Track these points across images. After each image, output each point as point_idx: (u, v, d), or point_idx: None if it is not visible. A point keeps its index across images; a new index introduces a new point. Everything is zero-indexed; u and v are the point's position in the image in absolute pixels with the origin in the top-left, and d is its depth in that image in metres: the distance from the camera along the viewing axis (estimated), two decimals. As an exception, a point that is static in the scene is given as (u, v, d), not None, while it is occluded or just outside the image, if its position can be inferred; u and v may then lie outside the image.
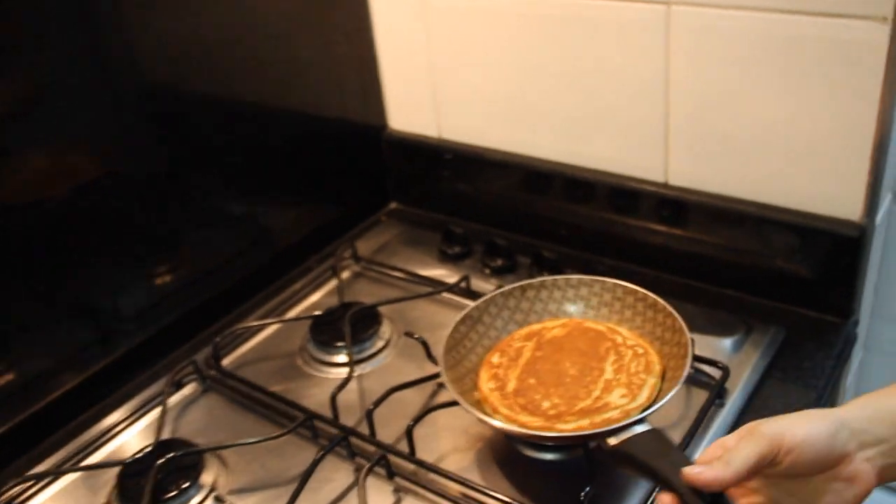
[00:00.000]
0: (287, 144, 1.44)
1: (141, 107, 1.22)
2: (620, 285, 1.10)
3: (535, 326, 1.11)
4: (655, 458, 0.82)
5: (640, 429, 0.88)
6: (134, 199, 1.23)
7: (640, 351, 1.03)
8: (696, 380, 1.11)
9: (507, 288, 1.13)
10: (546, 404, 0.98)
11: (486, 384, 1.04)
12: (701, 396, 1.08)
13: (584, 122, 1.30)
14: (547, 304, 1.14)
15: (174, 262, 1.34)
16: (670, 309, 1.03)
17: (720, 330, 1.19)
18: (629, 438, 0.87)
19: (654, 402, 0.96)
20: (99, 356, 1.25)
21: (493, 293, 1.13)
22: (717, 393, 1.06)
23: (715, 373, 1.08)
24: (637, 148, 1.27)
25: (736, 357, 1.13)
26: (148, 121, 1.24)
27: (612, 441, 0.88)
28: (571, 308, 1.13)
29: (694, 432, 1.02)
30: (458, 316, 1.10)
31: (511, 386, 1.02)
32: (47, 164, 1.12)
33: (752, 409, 1.07)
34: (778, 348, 1.14)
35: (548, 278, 1.14)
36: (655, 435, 0.87)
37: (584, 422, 0.94)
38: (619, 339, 1.05)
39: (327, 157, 1.53)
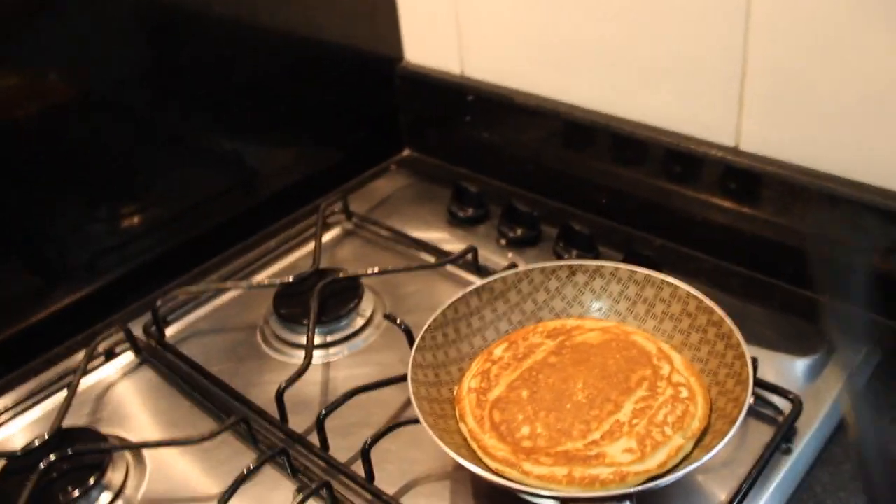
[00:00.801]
0: (283, 74, 1.27)
1: (125, 26, 1.08)
2: (696, 298, 0.85)
3: (571, 322, 0.88)
4: None
5: None
6: (106, 126, 1.09)
7: (684, 394, 0.77)
8: (756, 411, 0.87)
9: (552, 264, 0.91)
10: (524, 430, 0.76)
11: (469, 380, 0.83)
12: (761, 435, 0.84)
13: (638, 65, 1.11)
14: (599, 296, 0.91)
15: (139, 202, 1.15)
16: (746, 355, 0.77)
17: (793, 346, 0.94)
18: None
19: (667, 472, 0.71)
20: (30, 309, 1.07)
21: (532, 267, 0.91)
22: (785, 434, 0.83)
23: (782, 405, 0.86)
24: (702, 101, 1.07)
25: (812, 385, 0.90)
26: (131, 41, 1.10)
27: None
28: (624, 309, 0.89)
29: (748, 489, 0.77)
30: (477, 284, 0.89)
31: (496, 392, 0.81)
32: (18, 81, 1.00)
33: (829, 460, 0.83)
34: (870, 376, 0.92)
35: (607, 264, 0.90)
36: None
37: (560, 471, 0.71)
38: (665, 370, 0.80)
39: (330, 91, 1.35)
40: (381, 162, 1.43)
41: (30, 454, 0.87)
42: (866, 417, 0.77)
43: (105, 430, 0.93)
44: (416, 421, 0.76)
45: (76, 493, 0.83)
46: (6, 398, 1.00)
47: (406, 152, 1.45)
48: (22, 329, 1.05)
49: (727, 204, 1.08)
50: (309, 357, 0.92)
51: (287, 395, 0.90)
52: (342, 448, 0.87)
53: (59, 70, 1.02)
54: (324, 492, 0.80)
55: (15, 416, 0.98)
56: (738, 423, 0.69)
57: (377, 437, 0.82)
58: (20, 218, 1.03)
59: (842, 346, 0.94)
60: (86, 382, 1.01)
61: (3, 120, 0.98)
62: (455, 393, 0.82)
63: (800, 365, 0.92)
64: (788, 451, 0.82)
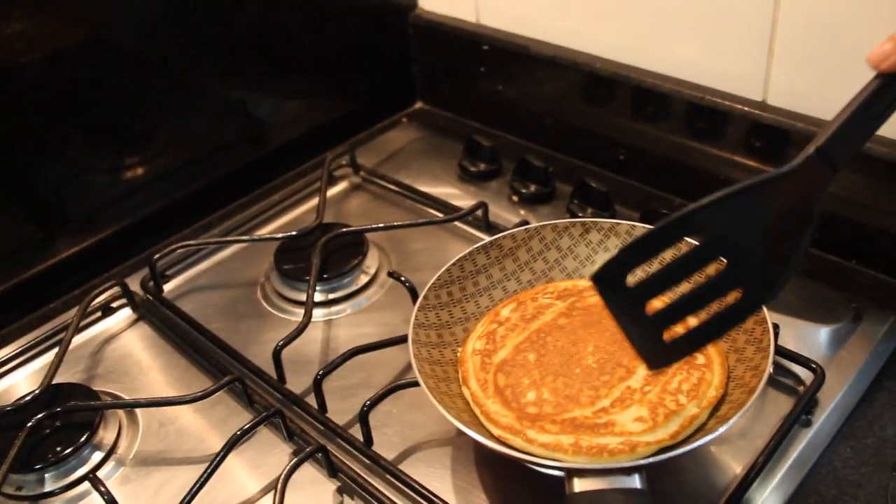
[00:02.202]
0: (292, 22, 1.22)
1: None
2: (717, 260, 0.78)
3: (583, 283, 0.84)
4: None
5: (626, 483, 0.60)
6: (110, 74, 1.04)
7: (700, 361, 0.72)
8: (776, 381, 0.82)
9: (564, 221, 0.87)
10: (530, 396, 0.71)
11: (474, 341, 0.79)
12: (780, 406, 0.80)
13: (662, 13, 1.05)
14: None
15: (141, 154, 1.11)
16: (768, 321, 0.72)
17: (817, 313, 0.89)
18: (599, 494, 0.60)
19: (680, 444, 0.66)
20: (27, 263, 1.03)
21: (543, 224, 0.87)
22: (805, 405, 0.78)
23: (804, 375, 0.81)
24: (729, 52, 1.01)
25: (836, 355, 0.85)
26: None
27: (577, 485, 0.61)
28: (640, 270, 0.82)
29: (766, 461, 0.73)
30: (482, 242, 0.85)
31: (501, 355, 0.76)
32: (22, 28, 0.95)
33: (851, 434, 0.78)
34: None
35: (623, 222, 0.86)
36: None
37: (566, 439, 0.67)
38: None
39: (340, 40, 1.29)
40: (393, 115, 1.38)
41: (19, 410, 0.84)
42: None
43: (99, 386, 0.90)
44: (416, 383, 0.72)
45: (67, 450, 0.81)
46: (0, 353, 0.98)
47: (418, 105, 1.40)
48: (18, 282, 1.02)
49: (751, 163, 1.03)
50: (308, 314, 0.89)
51: (286, 355, 0.87)
52: (341, 410, 0.83)
53: (64, 16, 0.99)
54: (320, 456, 0.76)
55: (9, 371, 0.96)
56: (756, 393, 0.64)
57: (376, 400, 0.78)
58: (19, 168, 0.99)
59: (868, 315, 0.89)
60: (82, 338, 0.98)
61: (6, 66, 0.94)
62: (458, 355, 0.78)
63: (823, 333, 0.87)
64: (808, 424, 0.78)
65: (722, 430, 0.63)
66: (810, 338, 0.86)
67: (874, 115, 0.60)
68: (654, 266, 0.68)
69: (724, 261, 0.59)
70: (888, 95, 0.59)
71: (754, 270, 0.59)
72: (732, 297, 0.59)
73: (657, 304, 0.61)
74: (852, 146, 0.60)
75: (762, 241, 0.58)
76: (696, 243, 0.61)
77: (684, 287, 0.60)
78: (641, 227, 0.84)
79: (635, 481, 0.60)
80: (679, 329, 0.61)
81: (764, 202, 0.58)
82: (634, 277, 0.60)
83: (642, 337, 0.62)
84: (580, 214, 1.04)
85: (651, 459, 0.64)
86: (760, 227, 0.58)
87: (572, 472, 0.61)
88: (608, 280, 0.59)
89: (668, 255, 0.77)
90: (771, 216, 0.58)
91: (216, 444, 0.78)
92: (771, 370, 0.71)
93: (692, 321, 0.62)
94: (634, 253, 0.59)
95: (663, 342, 0.60)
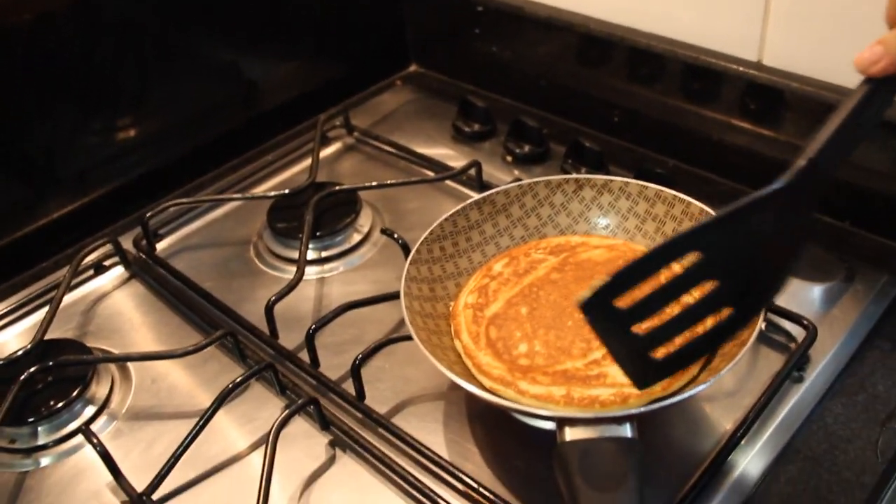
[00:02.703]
0: None
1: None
2: (709, 215, 0.80)
3: (575, 239, 0.84)
4: (593, 489, 0.56)
5: (616, 432, 0.60)
6: (100, 35, 1.03)
7: None
8: (768, 338, 0.81)
9: (557, 178, 0.86)
10: (522, 348, 0.71)
11: (466, 295, 0.79)
12: (772, 364, 0.80)
13: None
14: (606, 212, 0.86)
15: (133, 114, 1.10)
16: None
17: (810, 272, 0.89)
18: (590, 443, 0.60)
19: (671, 395, 0.66)
20: (19, 221, 1.03)
21: (537, 180, 0.86)
22: (797, 362, 0.78)
23: (796, 332, 0.81)
24: (724, 11, 1.00)
25: (828, 313, 0.85)
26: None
27: (568, 434, 0.60)
28: (632, 227, 0.84)
29: (756, 416, 0.74)
30: (475, 197, 0.85)
31: (493, 309, 0.76)
32: None
33: (843, 391, 0.78)
34: (889, 306, 0.86)
35: (617, 179, 0.85)
36: (626, 454, 0.59)
37: (558, 391, 0.67)
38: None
39: (334, 2, 1.28)
40: (387, 77, 1.37)
41: (11, 364, 0.84)
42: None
43: (92, 343, 0.90)
44: (408, 337, 0.71)
45: (59, 404, 0.81)
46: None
47: (413, 67, 1.39)
48: (10, 241, 1.02)
49: (746, 124, 1.02)
50: (301, 270, 0.89)
51: (279, 312, 0.87)
52: (333, 366, 0.83)
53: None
54: (311, 408, 0.76)
55: (1, 328, 0.95)
56: (748, 346, 0.64)
57: (368, 354, 0.78)
58: (11, 129, 0.99)
59: (861, 274, 0.89)
60: (74, 295, 0.98)
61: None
62: (451, 309, 0.78)
63: (816, 291, 0.87)
64: (800, 380, 0.78)
65: (713, 380, 0.63)
66: (803, 296, 0.86)
67: (864, 122, 0.58)
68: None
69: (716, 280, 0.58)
70: (877, 102, 0.58)
71: (748, 286, 0.59)
72: (725, 312, 0.59)
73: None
74: (843, 154, 0.59)
75: (758, 257, 0.58)
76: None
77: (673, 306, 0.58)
78: (636, 184, 0.83)
79: (626, 430, 0.60)
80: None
81: (759, 219, 0.57)
82: (624, 300, 0.58)
83: (630, 357, 0.60)
84: (574, 174, 1.03)
85: (642, 409, 0.64)
86: (758, 244, 0.57)
87: (563, 422, 0.61)
88: (596, 305, 0.57)
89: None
90: (768, 232, 0.57)
91: (208, 400, 0.77)
92: (763, 324, 0.71)
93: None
94: (624, 279, 0.56)
95: (652, 361, 0.59)
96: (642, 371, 0.60)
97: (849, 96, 0.58)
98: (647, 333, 0.58)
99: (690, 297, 0.57)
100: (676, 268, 0.73)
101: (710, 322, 0.60)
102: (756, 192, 0.56)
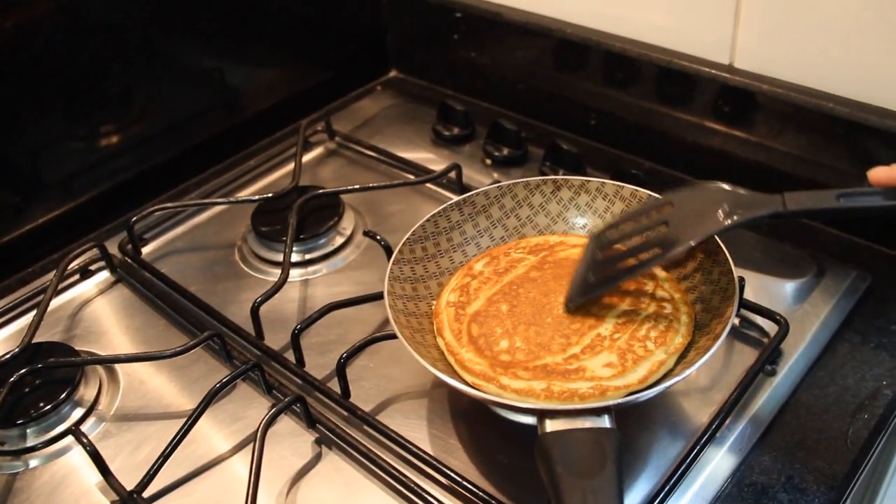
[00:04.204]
0: None
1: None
2: None
3: (554, 238, 0.85)
4: (574, 476, 0.58)
5: (595, 423, 0.62)
6: (85, 41, 1.04)
7: (668, 310, 0.74)
8: (741, 333, 0.83)
9: (536, 179, 0.88)
10: (503, 344, 0.73)
11: (448, 294, 0.80)
12: (746, 357, 0.82)
13: None
14: (584, 212, 0.88)
15: (117, 120, 1.11)
16: (733, 271, 0.74)
17: (782, 269, 0.92)
18: (570, 433, 0.61)
19: (647, 388, 0.68)
20: (4, 227, 1.04)
21: (516, 181, 0.88)
22: (769, 356, 0.81)
23: (769, 327, 0.84)
24: (697, 15, 1.02)
25: (799, 308, 0.88)
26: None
27: (549, 426, 0.62)
28: None
29: (730, 409, 0.76)
30: (455, 199, 0.86)
31: (474, 306, 0.78)
32: None
33: (814, 383, 0.81)
34: (858, 300, 0.89)
35: (593, 180, 0.87)
36: (605, 443, 0.61)
37: (538, 385, 0.69)
38: (650, 287, 0.77)
39: (315, 8, 1.30)
40: (367, 83, 1.38)
41: (0, 367, 0.84)
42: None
43: (79, 346, 0.90)
44: (392, 336, 0.73)
45: (48, 406, 0.82)
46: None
47: (392, 73, 1.41)
48: (-4, 246, 1.02)
49: (719, 126, 1.05)
50: (286, 272, 0.90)
51: (264, 313, 0.88)
52: (319, 365, 0.85)
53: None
54: (297, 406, 0.78)
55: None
56: (722, 337, 0.66)
57: (353, 352, 0.79)
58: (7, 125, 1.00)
59: (830, 270, 0.92)
60: (61, 300, 0.98)
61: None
62: (433, 307, 0.80)
63: (788, 287, 0.89)
64: (773, 373, 0.80)
65: (688, 372, 0.65)
66: (775, 292, 0.88)
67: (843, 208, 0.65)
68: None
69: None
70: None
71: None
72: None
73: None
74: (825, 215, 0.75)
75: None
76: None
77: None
78: (612, 185, 0.85)
79: (605, 421, 0.62)
80: None
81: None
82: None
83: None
84: (552, 175, 1.05)
85: (619, 401, 0.66)
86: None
87: (544, 414, 0.63)
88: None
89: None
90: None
91: (196, 401, 0.79)
92: (736, 320, 0.74)
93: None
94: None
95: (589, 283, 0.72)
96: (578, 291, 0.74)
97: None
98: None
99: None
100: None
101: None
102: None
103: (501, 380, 0.69)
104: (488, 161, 1.13)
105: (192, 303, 0.94)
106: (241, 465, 0.77)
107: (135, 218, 1.02)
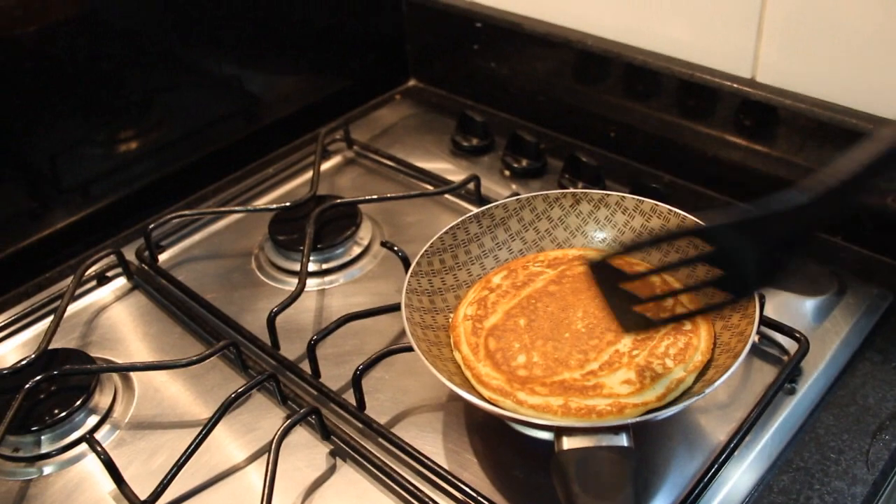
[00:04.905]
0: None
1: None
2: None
3: (573, 252, 0.85)
4: (591, 497, 0.57)
5: (613, 441, 0.61)
6: (106, 48, 1.04)
7: (687, 327, 0.74)
8: (761, 351, 0.82)
9: (555, 192, 0.87)
10: (521, 359, 0.72)
11: (466, 307, 0.80)
12: (765, 376, 0.81)
13: None
14: (603, 226, 0.87)
15: (137, 126, 1.12)
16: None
17: (803, 286, 0.91)
18: (587, 451, 0.61)
19: (667, 406, 0.68)
20: (23, 232, 1.04)
21: (535, 194, 0.88)
22: (789, 374, 0.80)
23: (789, 345, 0.83)
24: (719, 29, 1.01)
25: (820, 326, 0.87)
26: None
27: (566, 443, 0.62)
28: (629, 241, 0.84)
29: (749, 428, 0.75)
30: (474, 211, 0.86)
31: (492, 320, 0.77)
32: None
33: (834, 402, 0.79)
34: (879, 318, 0.88)
35: (613, 193, 0.86)
36: (623, 462, 0.60)
37: (555, 401, 0.68)
38: (669, 303, 0.76)
39: (335, 16, 1.29)
40: (386, 92, 1.38)
41: (16, 374, 0.85)
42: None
43: (95, 353, 0.91)
44: (409, 348, 0.73)
45: (63, 413, 0.82)
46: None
47: (412, 82, 1.41)
48: (14, 252, 1.03)
49: (740, 140, 1.04)
50: (303, 282, 0.90)
51: (280, 323, 0.88)
52: (334, 376, 0.84)
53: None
54: (313, 418, 0.77)
55: (4, 338, 0.96)
56: (741, 357, 0.66)
57: (369, 364, 0.79)
58: (15, 139, 1.00)
59: (852, 288, 0.91)
60: (77, 306, 0.99)
61: (1, 38, 0.94)
62: (450, 321, 0.80)
63: (808, 305, 0.88)
64: (792, 392, 0.79)
65: (707, 391, 0.64)
66: (795, 309, 0.87)
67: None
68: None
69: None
70: None
71: (739, 280, 0.63)
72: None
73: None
74: (876, 180, 0.58)
75: (757, 260, 0.60)
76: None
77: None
78: (632, 199, 0.85)
79: (622, 439, 0.61)
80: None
81: (775, 228, 0.59)
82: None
83: (617, 306, 0.65)
84: (571, 188, 1.05)
85: (638, 419, 0.65)
86: (763, 250, 0.60)
87: (561, 431, 0.62)
88: (599, 264, 0.64)
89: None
90: (774, 240, 0.60)
91: (211, 410, 0.79)
92: (756, 337, 0.73)
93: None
94: (628, 248, 0.67)
95: (632, 313, 0.65)
96: (624, 318, 0.65)
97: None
98: (629, 291, 0.64)
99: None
100: (670, 279, 0.75)
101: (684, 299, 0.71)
102: (780, 203, 0.58)
103: (518, 395, 0.69)
104: (507, 172, 1.13)
105: (208, 311, 0.94)
106: (255, 476, 0.77)
107: (152, 225, 1.02)
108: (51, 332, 0.88)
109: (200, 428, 0.76)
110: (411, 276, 0.79)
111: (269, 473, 0.70)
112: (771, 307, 0.86)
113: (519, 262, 0.84)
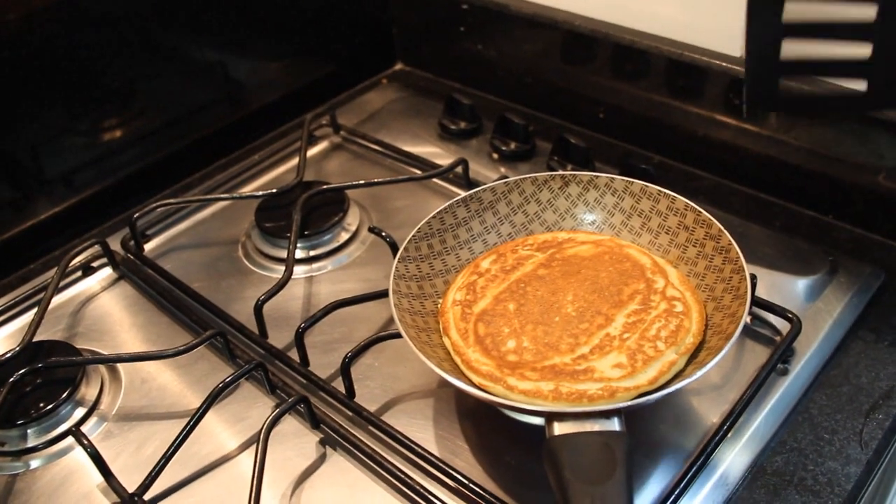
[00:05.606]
0: None
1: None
2: (694, 210, 0.80)
3: (562, 235, 0.83)
4: (582, 482, 0.56)
5: (605, 426, 0.60)
6: (87, 36, 1.03)
7: (679, 309, 0.73)
8: (753, 331, 0.82)
9: (543, 175, 0.86)
10: (510, 344, 0.71)
11: (454, 292, 0.79)
12: (758, 355, 0.81)
13: None
14: (592, 208, 0.86)
15: (120, 115, 1.10)
16: (745, 269, 0.72)
17: (794, 265, 0.90)
18: (579, 436, 0.60)
19: (658, 389, 0.67)
20: (5, 224, 1.03)
21: (523, 177, 0.86)
22: (782, 354, 0.79)
23: (781, 325, 0.82)
24: (707, 7, 1.00)
25: (812, 306, 0.86)
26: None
27: (557, 428, 0.61)
28: (618, 223, 0.84)
29: (742, 409, 0.74)
30: (462, 195, 0.85)
31: (481, 305, 0.76)
32: None
33: (827, 382, 0.79)
34: (872, 297, 0.87)
35: (602, 175, 0.85)
36: (614, 447, 0.59)
37: (546, 386, 0.67)
38: (660, 284, 0.75)
39: (320, 1, 1.27)
40: (372, 76, 1.37)
41: (0, 367, 0.83)
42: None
43: (81, 345, 0.89)
44: (397, 335, 0.72)
45: (49, 406, 0.80)
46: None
47: (398, 66, 1.39)
48: (-3, 243, 1.02)
49: (730, 119, 1.03)
50: (290, 270, 0.89)
51: (268, 311, 0.87)
52: (323, 364, 0.84)
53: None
54: (301, 407, 0.76)
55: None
56: (734, 338, 0.65)
57: (357, 352, 0.78)
58: (9, 120, 0.99)
59: (844, 267, 0.90)
60: (62, 297, 0.97)
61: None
62: (439, 306, 0.79)
63: (800, 285, 0.88)
64: (785, 372, 0.79)
65: (699, 373, 0.64)
66: (787, 289, 0.87)
67: None
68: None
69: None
70: None
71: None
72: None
73: None
74: None
75: None
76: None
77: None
78: (621, 180, 0.84)
79: (614, 424, 0.61)
80: None
81: None
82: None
83: (759, 72, 0.58)
84: (560, 170, 1.04)
85: (629, 403, 0.64)
86: None
87: (552, 416, 0.62)
88: None
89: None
90: None
91: (199, 400, 0.78)
92: (748, 318, 0.72)
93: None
94: None
95: (775, 89, 0.59)
96: (759, 93, 0.56)
97: None
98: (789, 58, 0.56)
99: None
100: (661, 262, 0.75)
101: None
102: None
103: (508, 381, 0.68)
104: (495, 155, 1.12)
105: (195, 300, 0.93)
106: (244, 465, 0.76)
107: (137, 214, 1.01)
108: (35, 324, 0.87)
109: (189, 418, 0.75)
110: (399, 261, 0.78)
111: (258, 463, 0.70)
112: (762, 287, 0.85)
113: (508, 246, 0.83)
